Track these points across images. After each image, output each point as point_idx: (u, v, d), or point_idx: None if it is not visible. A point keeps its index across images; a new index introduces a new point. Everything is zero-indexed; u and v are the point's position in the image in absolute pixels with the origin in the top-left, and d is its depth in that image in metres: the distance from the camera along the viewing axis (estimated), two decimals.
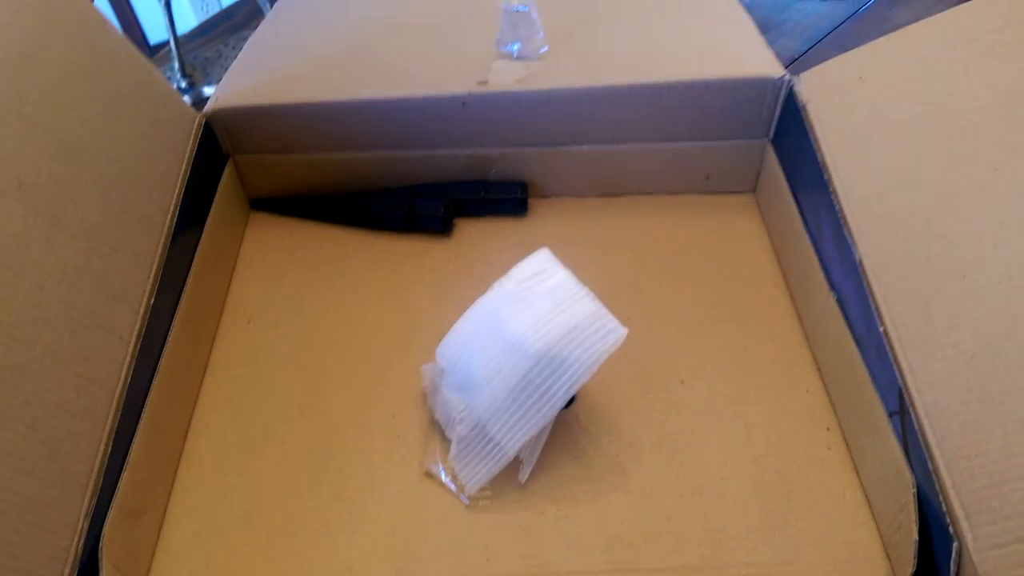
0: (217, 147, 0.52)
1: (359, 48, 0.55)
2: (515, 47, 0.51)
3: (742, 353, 0.44)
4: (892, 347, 0.35)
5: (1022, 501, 0.28)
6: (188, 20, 1.50)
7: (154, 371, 0.40)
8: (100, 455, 0.35)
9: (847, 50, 0.45)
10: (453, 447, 0.39)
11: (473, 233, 0.54)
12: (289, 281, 0.51)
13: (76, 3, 0.43)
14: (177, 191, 0.45)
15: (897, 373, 0.35)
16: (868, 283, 0.38)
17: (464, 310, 0.40)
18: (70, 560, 0.32)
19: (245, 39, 0.83)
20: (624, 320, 0.36)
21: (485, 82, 0.50)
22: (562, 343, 0.36)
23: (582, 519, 0.38)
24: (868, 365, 0.37)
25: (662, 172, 0.54)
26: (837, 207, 0.41)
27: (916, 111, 0.40)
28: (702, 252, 0.51)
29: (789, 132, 0.49)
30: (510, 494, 0.39)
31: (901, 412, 0.34)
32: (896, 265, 0.37)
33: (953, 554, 0.30)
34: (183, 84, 0.79)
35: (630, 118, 0.50)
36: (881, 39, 0.44)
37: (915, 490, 0.33)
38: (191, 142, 0.48)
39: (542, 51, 0.52)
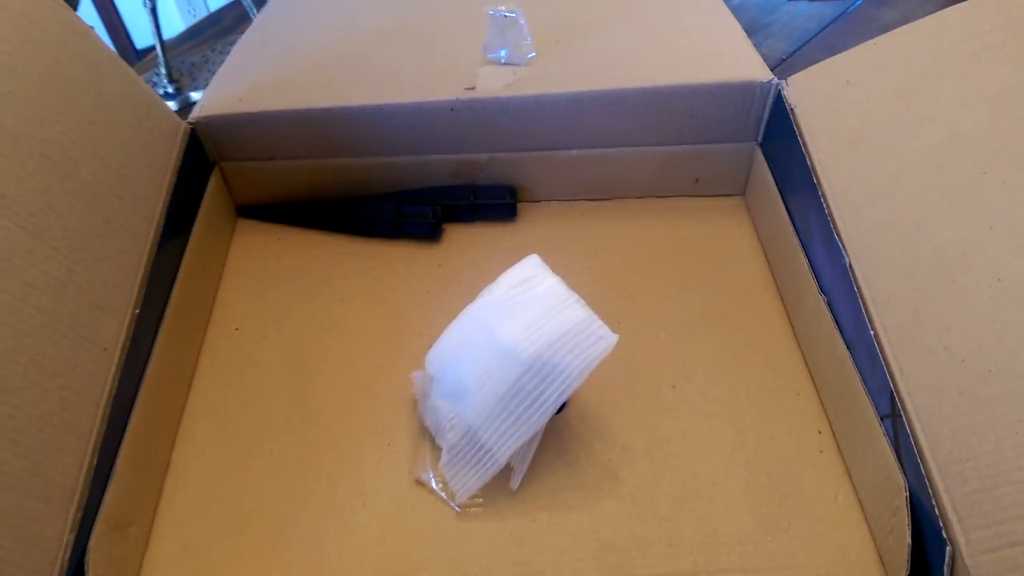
0: (203, 154, 0.52)
1: (346, 54, 0.54)
2: (503, 53, 0.51)
3: (733, 357, 0.44)
4: (883, 351, 0.35)
5: (1014, 505, 0.28)
6: (175, 24, 1.50)
7: (140, 382, 0.40)
8: (85, 468, 0.35)
9: (835, 51, 0.45)
10: (444, 455, 0.39)
11: (462, 239, 0.53)
12: (277, 289, 0.51)
13: (58, 12, 0.42)
14: (162, 200, 0.45)
15: (888, 377, 0.35)
16: (858, 286, 0.38)
17: (453, 316, 0.40)
18: (56, 574, 0.32)
19: (232, 44, 0.83)
20: (614, 324, 0.36)
21: (473, 88, 0.50)
22: (552, 349, 0.35)
23: (574, 526, 0.38)
24: (859, 368, 0.37)
25: (651, 176, 0.54)
26: (826, 211, 0.41)
27: (904, 114, 0.40)
28: (692, 255, 0.50)
29: (777, 135, 0.49)
30: (501, 501, 0.39)
31: (893, 416, 0.34)
32: (886, 268, 0.37)
33: (946, 558, 0.30)
34: (170, 89, 0.78)
35: (618, 122, 0.50)
36: (869, 42, 0.44)
37: (907, 494, 0.33)
38: (176, 150, 0.48)
39: (530, 56, 0.52)
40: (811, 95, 0.46)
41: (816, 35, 0.81)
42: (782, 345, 0.45)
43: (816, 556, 0.35)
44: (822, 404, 0.41)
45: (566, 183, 0.55)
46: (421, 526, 0.38)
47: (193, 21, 1.01)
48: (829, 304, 0.40)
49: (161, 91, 0.78)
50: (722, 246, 0.51)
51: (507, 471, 0.38)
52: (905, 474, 0.33)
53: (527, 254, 0.40)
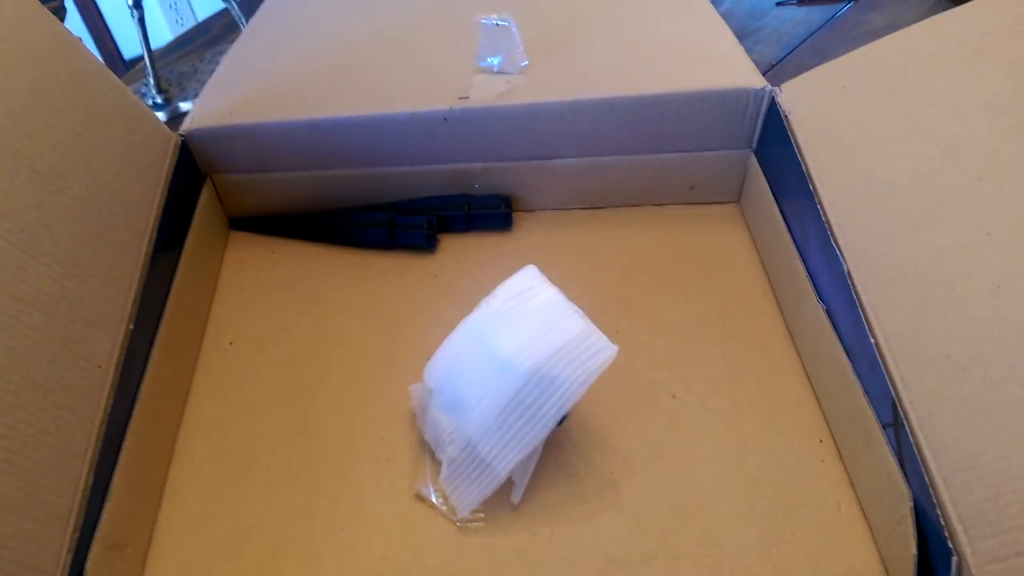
0: (194, 167, 0.51)
1: (338, 65, 0.54)
2: (495, 61, 0.51)
3: (732, 365, 0.44)
4: (884, 359, 0.35)
5: (1020, 514, 0.28)
6: (163, 34, 1.49)
7: (134, 399, 0.39)
8: (81, 487, 0.34)
9: (824, 56, 0.46)
10: (444, 469, 0.39)
11: (457, 248, 0.53)
12: (271, 302, 0.50)
13: (47, 25, 0.42)
14: (154, 213, 0.45)
15: (890, 385, 0.34)
16: (857, 294, 0.38)
17: (450, 327, 0.40)
18: None
19: (221, 53, 0.82)
20: (612, 334, 0.36)
21: (466, 97, 0.49)
22: (552, 362, 0.35)
23: (576, 540, 0.37)
24: (860, 377, 0.37)
25: (646, 184, 0.54)
26: (823, 218, 0.41)
27: (900, 121, 0.40)
28: (688, 263, 0.50)
29: (772, 142, 0.49)
30: (503, 516, 0.38)
31: (895, 425, 0.34)
32: (884, 276, 0.37)
33: (952, 568, 0.30)
34: (159, 99, 0.78)
35: (612, 131, 0.50)
36: (863, 48, 0.44)
37: (912, 503, 0.32)
38: (167, 163, 0.47)
39: (522, 65, 0.51)
40: (805, 102, 0.46)
41: (805, 40, 0.81)
42: (781, 353, 0.45)
43: (821, 567, 0.35)
44: (822, 413, 0.41)
45: (561, 192, 0.54)
46: (422, 541, 0.38)
47: (180, 31, 1.00)
48: (828, 312, 0.40)
49: (150, 101, 0.77)
50: (718, 253, 0.51)
51: (508, 485, 0.38)
52: (909, 483, 0.33)
53: (523, 263, 0.40)
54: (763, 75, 0.49)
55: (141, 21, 0.75)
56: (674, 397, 0.43)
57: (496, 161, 0.52)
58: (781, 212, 0.47)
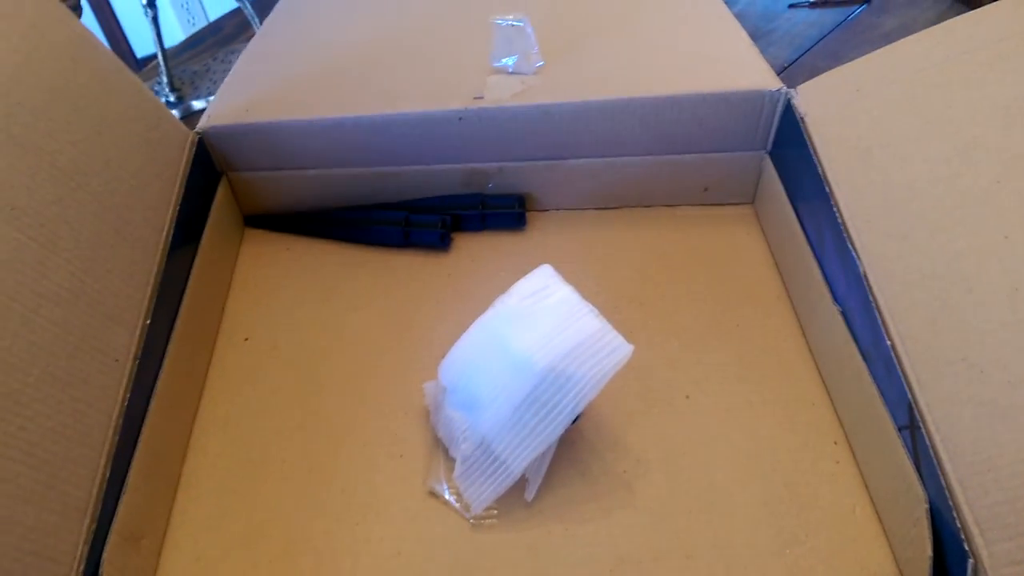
0: (210, 165, 0.52)
1: (353, 64, 0.54)
2: (510, 62, 0.51)
3: (746, 367, 0.44)
4: (900, 361, 0.35)
5: None
6: (174, 33, 1.50)
7: (151, 393, 0.39)
8: (98, 480, 0.34)
9: (837, 58, 0.46)
10: (457, 466, 0.39)
11: (471, 248, 0.53)
12: (286, 299, 0.50)
13: (66, 22, 0.42)
14: (171, 210, 0.45)
15: (906, 387, 0.34)
16: (874, 297, 0.38)
17: (464, 326, 0.40)
18: None
19: (234, 52, 0.83)
20: (626, 334, 0.36)
21: (481, 97, 0.50)
22: (567, 360, 0.35)
23: (590, 538, 0.37)
24: (876, 379, 0.37)
25: (660, 184, 0.54)
26: (839, 220, 0.41)
27: (916, 123, 0.40)
28: (702, 264, 0.50)
29: (787, 144, 0.49)
30: (516, 513, 0.38)
31: (911, 427, 0.34)
32: (901, 279, 0.37)
33: (968, 571, 0.30)
34: (172, 98, 0.78)
35: (627, 131, 0.50)
36: (879, 51, 0.44)
37: (928, 505, 0.32)
38: (184, 160, 0.48)
39: (537, 65, 0.51)
40: (821, 104, 0.46)
41: (817, 42, 0.81)
42: (795, 355, 0.45)
43: (835, 569, 0.35)
44: (837, 415, 0.41)
45: (575, 192, 0.54)
46: (435, 538, 0.38)
47: (192, 30, 1.01)
48: (844, 314, 0.40)
49: (163, 100, 0.78)
50: (732, 255, 0.51)
51: (521, 482, 0.38)
52: (925, 486, 0.33)
53: (536, 263, 0.40)
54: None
55: (155, 20, 0.76)
56: (688, 398, 0.43)
57: (510, 161, 0.52)
58: (796, 214, 0.47)
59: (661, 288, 0.49)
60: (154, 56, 0.79)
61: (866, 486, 0.38)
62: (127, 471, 0.36)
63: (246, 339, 0.48)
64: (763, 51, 0.52)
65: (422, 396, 0.43)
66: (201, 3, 1.62)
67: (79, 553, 0.32)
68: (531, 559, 0.37)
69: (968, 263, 0.34)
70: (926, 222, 0.37)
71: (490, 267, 0.52)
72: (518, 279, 0.39)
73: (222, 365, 0.47)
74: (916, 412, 0.34)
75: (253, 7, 0.83)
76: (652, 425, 0.42)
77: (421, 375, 0.43)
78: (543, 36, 0.51)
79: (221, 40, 0.93)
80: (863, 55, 0.45)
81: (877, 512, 0.37)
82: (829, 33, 0.83)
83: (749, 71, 0.49)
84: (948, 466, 0.32)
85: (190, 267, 0.46)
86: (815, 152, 0.44)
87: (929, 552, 0.32)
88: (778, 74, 0.49)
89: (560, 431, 0.36)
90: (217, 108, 0.51)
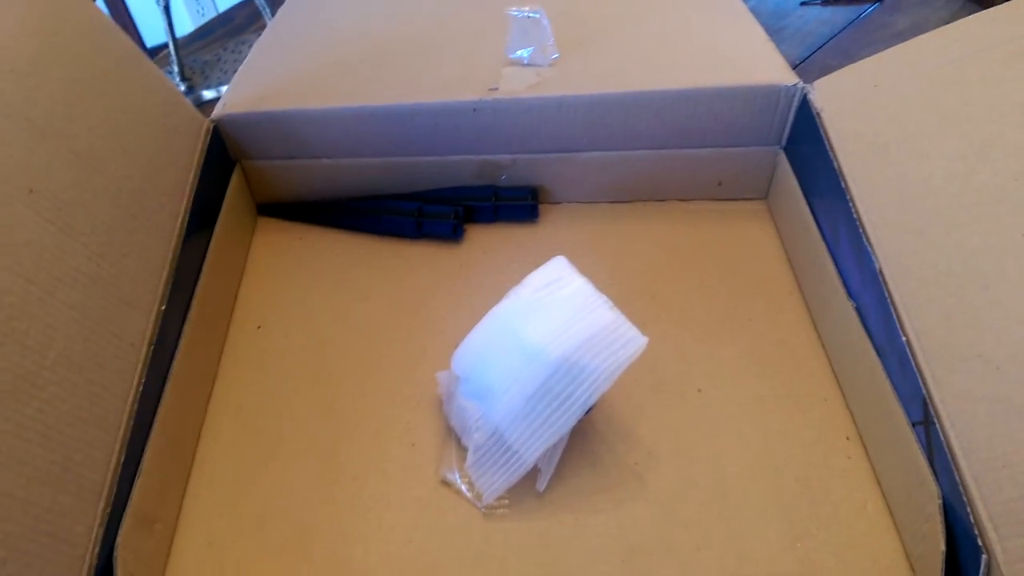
0: (225, 153, 0.52)
1: (368, 54, 0.54)
2: (526, 54, 0.51)
3: (758, 361, 0.44)
4: (915, 357, 0.35)
5: None
6: (183, 23, 1.50)
7: (166, 378, 0.40)
8: (113, 463, 0.35)
9: (849, 56, 0.46)
10: (470, 455, 0.39)
11: (484, 239, 0.53)
12: (298, 287, 0.51)
13: (85, 8, 0.42)
14: (186, 197, 0.45)
15: (921, 383, 0.34)
16: (889, 292, 0.38)
17: (476, 317, 0.40)
18: (85, 569, 0.32)
19: (244, 43, 0.83)
20: (638, 327, 0.36)
21: (496, 89, 0.50)
22: (581, 352, 0.35)
23: (600, 528, 0.37)
24: (889, 375, 0.37)
25: (673, 179, 0.54)
26: (855, 216, 0.41)
27: (933, 120, 0.40)
28: (715, 259, 0.50)
29: (802, 140, 0.49)
30: (527, 503, 0.39)
31: (925, 423, 0.34)
32: (917, 275, 0.37)
33: (982, 567, 0.30)
34: (182, 88, 0.78)
35: (642, 125, 0.50)
36: (895, 47, 0.44)
37: (941, 501, 0.32)
38: (199, 148, 0.48)
39: (553, 57, 0.51)
40: (838, 99, 0.46)
41: (829, 40, 0.81)
42: (807, 350, 0.45)
43: (846, 563, 0.35)
44: (849, 410, 0.41)
45: (588, 185, 0.54)
46: (447, 526, 0.38)
47: (202, 20, 1.01)
48: (858, 309, 0.40)
49: None
50: (745, 250, 0.51)
51: (533, 473, 0.38)
52: (938, 481, 0.33)
53: (548, 255, 0.40)
54: None
55: (167, 9, 0.76)
56: (700, 391, 0.43)
57: (524, 153, 0.52)
58: (810, 209, 0.47)
59: (673, 282, 0.49)
60: (164, 46, 0.79)
61: (878, 481, 0.38)
62: (142, 455, 0.36)
63: (259, 327, 0.48)
64: None
65: (434, 385, 0.43)
66: None
67: (94, 535, 0.33)
68: (542, 549, 0.37)
69: (984, 260, 0.34)
70: (942, 218, 0.37)
71: (502, 259, 0.52)
72: (530, 271, 0.39)
73: (235, 352, 0.47)
74: (931, 408, 0.34)
75: None
76: (664, 418, 0.42)
77: (433, 365, 0.43)
78: (559, 28, 0.51)
79: (231, 30, 0.93)
80: (875, 53, 0.45)
81: (889, 507, 0.37)
82: (841, 31, 0.83)
83: (765, 66, 0.49)
84: (963, 462, 0.32)
85: (204, 254, 0.46)
86: (831, 148, 0.44)
87: (942, 547, 0.32)
88: None
89: (573, 422, 0.36)
90: (232, 96, 0.52)
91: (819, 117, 0.46)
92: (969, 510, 0.31)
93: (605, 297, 0.37)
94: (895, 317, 0.37)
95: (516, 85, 0.50)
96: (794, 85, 0.48)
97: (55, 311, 0.34)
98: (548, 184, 0.55)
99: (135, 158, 0.42)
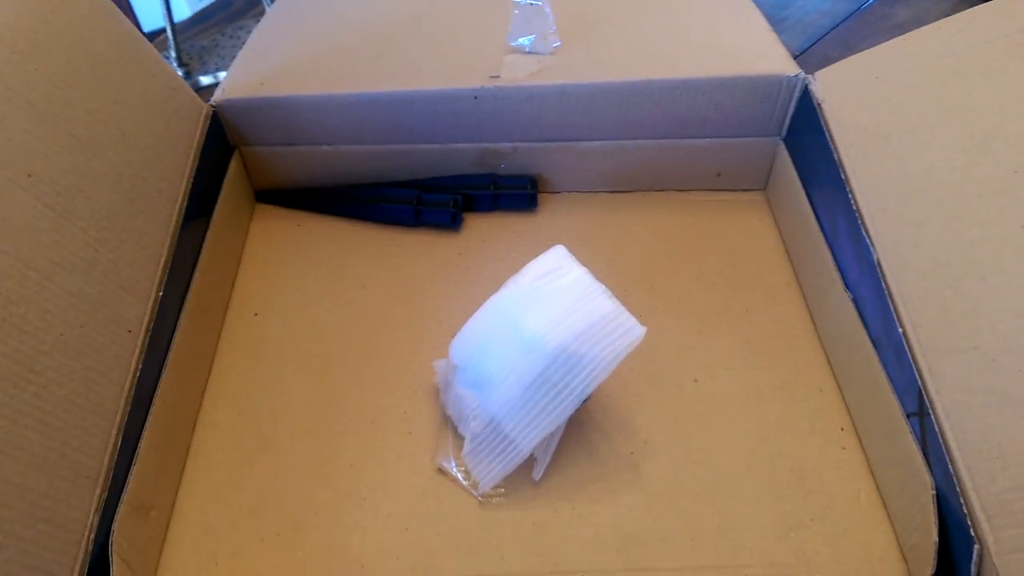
0: (224, 138, 0.52)
1: (369, 41, 0.54)
2: (527, 41, 0.51)
3: (755, 352, 0.44)
4: (911, 349, 0.35)
5: None
6: (180, 9, 1.48)
7: (162, 365, 0.40)
8: (110, 449, 0.35)
9: (849, 47, 0.45)
10: (467, 444, 0.39)
11: (482, 228, 0.53)
12: (295, 275, 0.50)
13: None
14: (185, 182, 0.45)
15: (916, 375, 0.35)
16: (886, 284, 0.38)
17: (474, 305, 0.40)
18: (80, 555, 0.32)
19: (242, 28, 0.82)
20: (636, 316, 0.36)
21: (497, 76, 0.49)
22: (579, 341, 0.35)
23: (596, 518, 0.38)
24: (885, 366, 0.37)
25: (672, 169, 0.54)
26: (854, 207, 0.41)
27: (935, 111, 0.40)
28: (713, 249, 0.50)
29: (802, 130, 0.48)
30: (524, 491, 0.39)
31: (920, 414, 0.34)
32: (914, 267, 0.37)
33: (974, 557, 0.30)
34: (179, 73, 0.78)
35: (642, 114, 0.50)
36: (897, 39, 0.44)
37: (934, 492, 0.33)
38: (199, 133, 0.48)
39: (554, 46, 0.51)
40: (839, 90, 0.45)
41: (829, 31, 0.81)
42: (803, 341, 0.45)
43: (839, 553, 0.35)
44: (844, 401, 0.41)
45: (588, 174, 0.54)
46: (443, 515, 0.38)
47: (200, 6, 1.00)
48: (855, 301, 0.40)
49: None
50: (743, 240, 0.51)
51: (530, 461, 0.38)
52: (932, 472, 0.33)
53: (547, 244, 0.40)
54: None
55: None
56: (696, 381, 0.43)
57: (524, 141, 0.52)
58: (809, 200, 0.47)
59: (671, 272, 0.49)
60: (161, 31, 0.79)
61: (872, 472, 0.38)
62: (138, 442, 0.36)
63: (255, 314, 0.48)
64: None
65: (431, 374, 0.43)
66: None
67: (90, 522, 0.33)
68: (538, 537, 0.37)
69: (982, 252, 0.34)
70: (942, 210, 0.37)
71: (501, 247, 0.52)
72: (528, 260, 0.39)
73: (231, 339, 0.47)
74: (926, 399, 0.34)
75: None
76: (660, 408, 0.42)
77: (430, 353, 0.43)
78: (561, 16, 0.51)
79: (230, 16, 0.93)
80: (875, 45, 0.45)
81: (882, 498, 0.37)
82: (842, 22, 0.83)
83: (767, 56, 0.49)
84: (956, 453, 0.32)
85: (202, 240, 0.46)
86: (832, 139, 0.44)
87: (935, 537, 0.32)
88: None
89: (570, 412, 0.36)
90: (232, 81, 0.51)
91: (820, 108, 0.46)
92: (962, 501, 0.31)
93: (604, 286, 0.37)
94: (892, 309, 0.37)
95: (517, 73, 0.50)
96: (796, 75, 0.47)
97: (53, 296, 0.33)
98: (548, 173, 0.54)
99: (134, 143, 0.41)
